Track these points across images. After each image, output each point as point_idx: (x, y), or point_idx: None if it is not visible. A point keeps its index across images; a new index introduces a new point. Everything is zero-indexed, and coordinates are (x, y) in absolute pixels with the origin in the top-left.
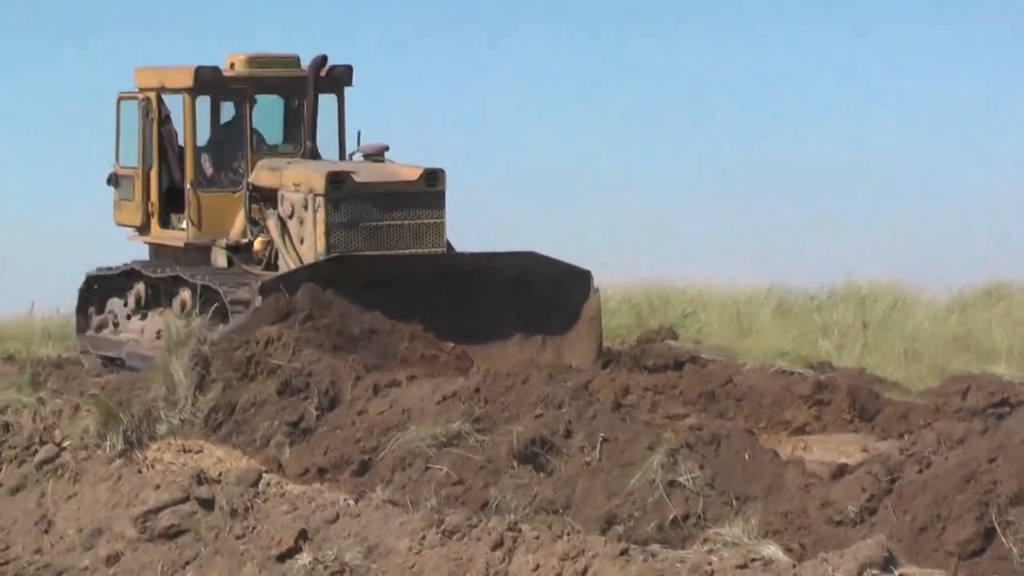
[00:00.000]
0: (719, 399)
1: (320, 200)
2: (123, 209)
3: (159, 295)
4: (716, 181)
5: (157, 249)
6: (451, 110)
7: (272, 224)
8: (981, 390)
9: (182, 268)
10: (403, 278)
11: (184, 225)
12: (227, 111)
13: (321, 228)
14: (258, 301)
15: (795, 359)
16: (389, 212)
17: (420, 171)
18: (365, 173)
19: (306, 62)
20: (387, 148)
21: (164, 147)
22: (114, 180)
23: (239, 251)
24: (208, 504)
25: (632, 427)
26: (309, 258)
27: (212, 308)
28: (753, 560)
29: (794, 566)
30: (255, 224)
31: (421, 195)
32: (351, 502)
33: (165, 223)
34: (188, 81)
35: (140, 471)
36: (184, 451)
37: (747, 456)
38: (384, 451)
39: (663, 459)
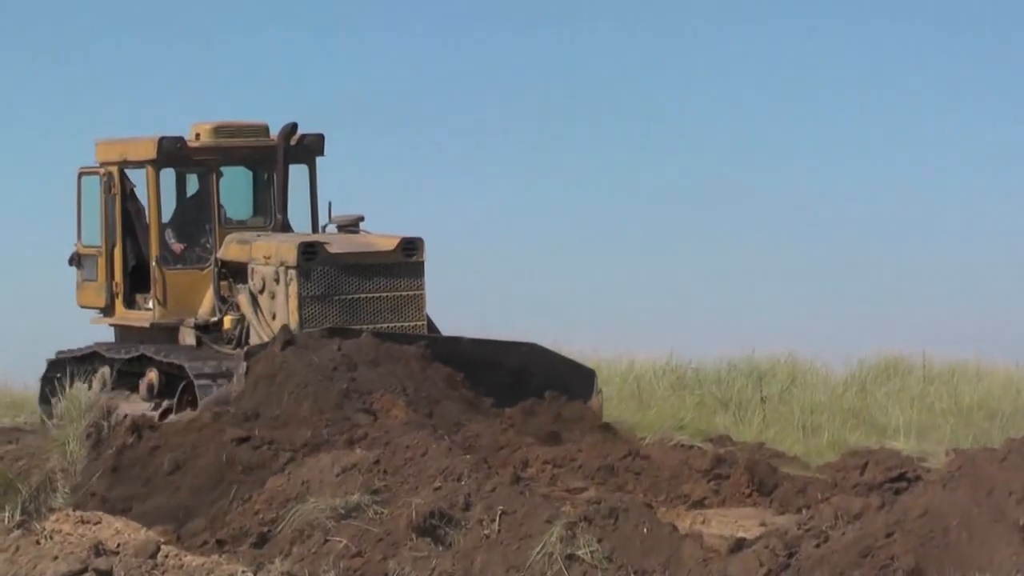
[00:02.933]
0: (618, 473)
1: (292, 272)
2: (86, 290)
3: (125, 378)
4: (618, 253)
5: (123, 331)
6: (428, 179)
7: (243, 299)
8: (879, 465)
9: (147, 347)
10: (397, 359)
11: (150, 305)
12: (193, 184)
13: (294, 302)
14: (243, 368)
15: (694, 432)
16: (365, 284)
17: (397, 240)
18: (339, 244)
19: (275, 130)
20: (362, 218)
21: (128, 223)
22: (76, 260)
23: (208, 330)
24: None
25: (531, 500)
26: None
27: (180, 387)
28: None
29: None
30: (224, 302)
31: (399, 266)
32: (249, 574)
33: (130, 304)
34: (151, 153)
35: (38, 542)
36: (82, 522)
37: (646, 530)
38: (283, 523)
39: (562, 532)
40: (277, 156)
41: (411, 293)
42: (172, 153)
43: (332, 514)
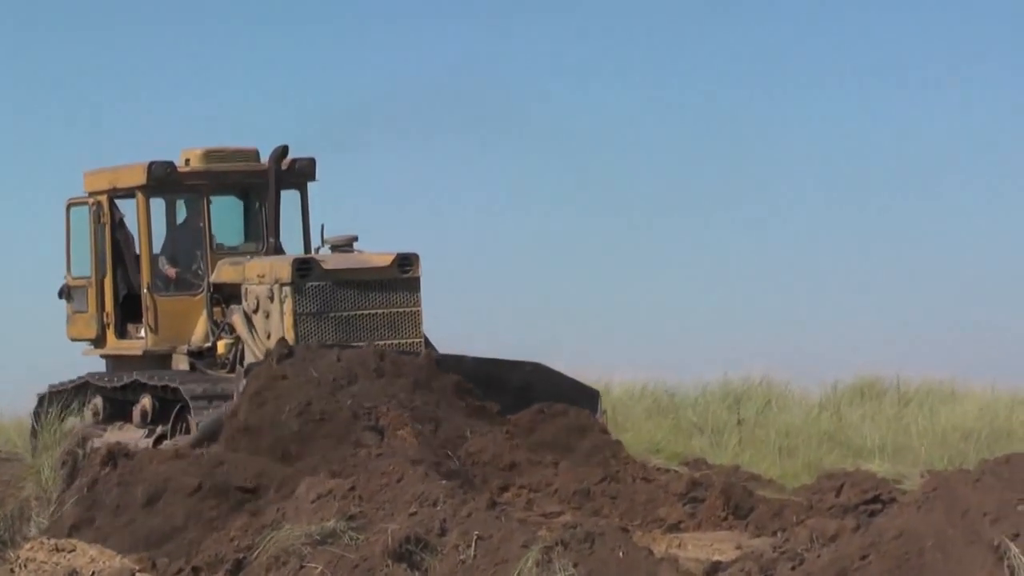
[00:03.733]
0: (594, 497)
1: (287, 290)
2: (76, 323)
3: (118, 407)
4: (595, 275)
5: (114, 362)
6: (421, 202)
7: (237, 320)
8: (854, 487)
9: (140, 373)
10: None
11: (142, 333)
12: (183, 212)
13: (289, 319)
14: (242, 386)
15: (670, 456)
16: (361, 300)
17: (393, 256)
18: (334, 261)
19: (265, 154)
20: (356, 239)
21: (118, 253)
22: (66, 293)
23: (202, 356)
24: None
25: (507, 525)
26: None
27: (174, 411)
28: None
29: None
30: (218, 327)
31: (394, 282)
32: None
33: (122, 334)
34: (141, 178)
35: (12, 570)
36: (57, 550)
37: (621, 554)
38: (258, 550)
39: (538, 556)
40: (268, 179)
41: (408, 309)
42: (162, 178)
43: (308, 540)
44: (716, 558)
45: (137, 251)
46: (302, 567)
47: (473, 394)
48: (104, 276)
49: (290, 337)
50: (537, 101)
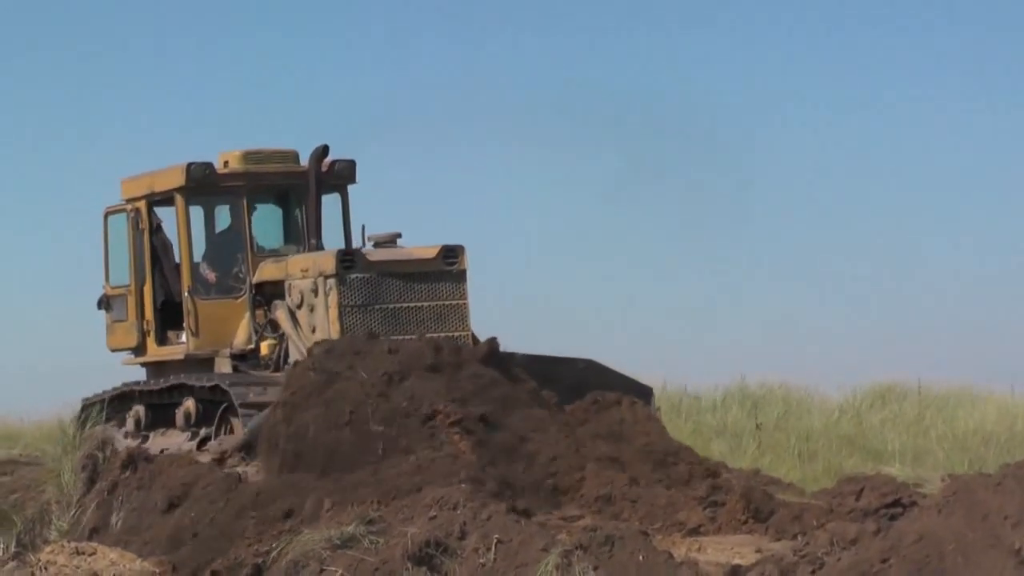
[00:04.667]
0: (614, 501)
1: (331, 282)
2: (116, 332)
3: (160, 413)
4: (611, 276)
5: (154, 369)
6: (461, 199)
7: (281, 316)
8: (874, 491)
9: (185, 375)
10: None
11: (183, 338)
12: (221, 220)
13: (334, 311)
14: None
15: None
16: (407, 293)
17: (438, 248)
18: (378, 254)
19: (304, 157)
20: (399, 235)
21: (157, 260)
22: (105, 303)
23: (245, 359)
24: None
25: (527, 529)
26: None
27: (219, 412)
28: None
29: None
30: (261, 328)
31: (440, 274)
32: None
33: (162, 341)
34: (180, 180)
35: (33, 573)
36: (77, 553)
37: (641, 557)
38: (277, 554)
39: (557, 560)
40: (309, 179)
41: (454, 302)
42: (201, 179)
43: (327, 544)
44: (736, 561)
45: (175, 258)
46: (322, 571)
47: (533, 390)
48: (143, 283)
49: (335, 330)
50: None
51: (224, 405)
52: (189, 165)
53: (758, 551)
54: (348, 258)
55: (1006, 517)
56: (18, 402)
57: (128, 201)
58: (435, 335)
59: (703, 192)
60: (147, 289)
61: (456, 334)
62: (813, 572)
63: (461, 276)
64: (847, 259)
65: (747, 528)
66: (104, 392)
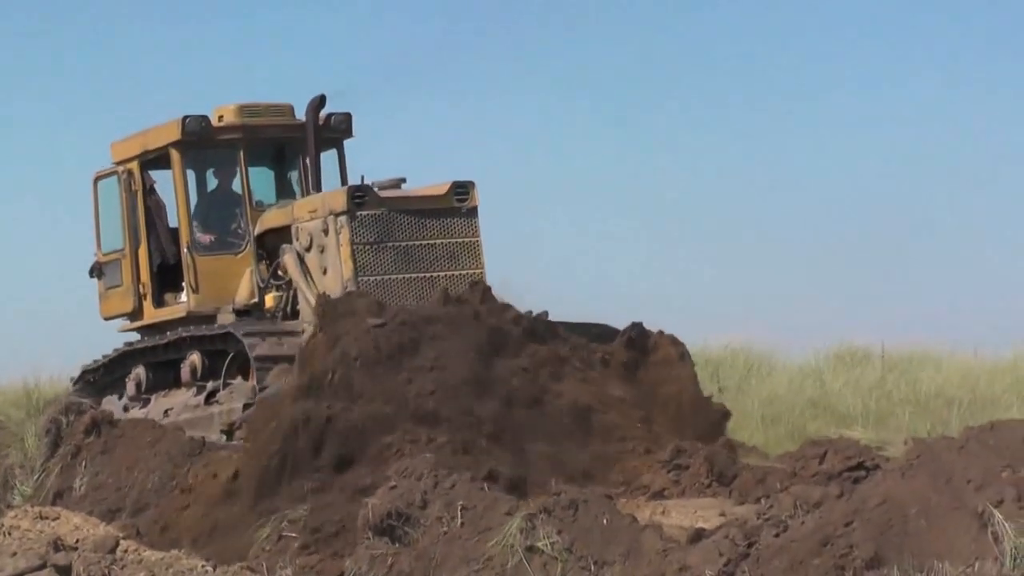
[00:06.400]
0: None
1: (342, 220)
2: (111, 299)
3: (162, 374)
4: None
5: (152, 332)
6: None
7: (289, 261)
8: (838, 454)
9: (186, 329)
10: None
11: (182, 298)
12: (211, 182)
13: (346, 250)
14: (308, 328)
15: None
16: (419, 230)
17: (448, 185)
18: (389, 192)
19: (300, 112)
20: (403, 180)
21: (152, 221)
22: (97, 270)
23: (249, 315)
24: (65, 571)
25: (491, 495)
26: (335, 289)
27: (226, 362)
28: None
29: None
30: (264, 282)
31: (452, 211)
32: (209, 569)
33: (160, 303)
34: (175, 134)
35: None
36: (41, 518)
37: (605, 521)
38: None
39: (522, 524)
40: (307, 129)
41: (466, 240)
42: (197, 133)
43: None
44: (700, 525)
45: (169, 220)
46: (280, 538)
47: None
48: (139, 246)
49: (348, 269)
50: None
51: (232, 355)
52: (185, 118)
53: (722, 514)
54: (359, 194)
55: (969, 480)
56: None
57: (119, 164)
58: (449, 273)
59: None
60: (142, 252)
61: (470, 272)
62: (777, 535)
63: (472, 213)
64: (810, 220)
65: (711, 491)
66: (100, 359)
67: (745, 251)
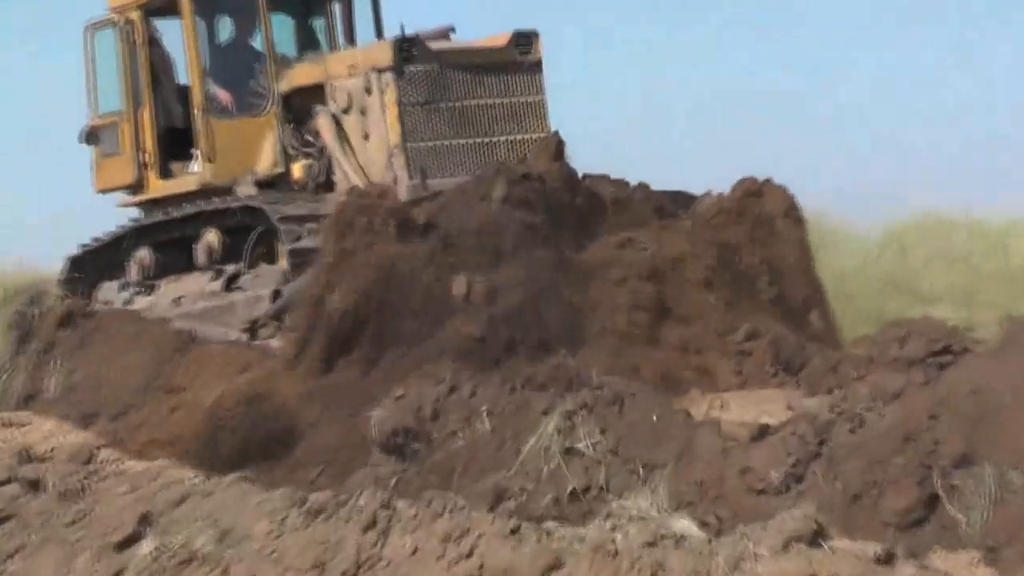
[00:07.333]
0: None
1: (387, 77)
2: (107, 169)
3: (172, 255)
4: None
5: (158, 207)
6: None
7: (324, 124)
8: (921, 337)
9: (200, 202)
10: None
11: (195, 167)
12: (224, 31)
13: (393, 112)
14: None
15: None
16: (476, 87)
17: (508, 35)
18: (440, 44)
19: None
20: (452, 29)
21: (156, 79)
22: (92, 136)
23: (273, 186)
24: (35, 486)
25: (522, 396)
26: (378, 158)
27: (251, 241)
28: (663, 537)
29: (710, 542)
30: (293, 149)
31: (513, 64)
32: (200, 480)
33: (166, 173)
34: None
35: None
36: (8, 425)
37: (655, 417)
38: None
39: (559, 423)
40: None
41: (530, 98)
42: None
43: None
44: (764, 420)
45: (176, 77)
46: None
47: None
48: (141, 107)
49: (395, 134)
50: None
51: (259, 231)
52: None
53: (789, 408)
54: (407, 46)
55: None
56: None
57: (117, 11)
58: (511, 137)
59: None
60: (146, 114)
61: (535, 135)
62: (852, 431)
63: (537, 67)
64: (887, 70)
65: (776, 382)
66: (101, 237)
67: (809, 92)
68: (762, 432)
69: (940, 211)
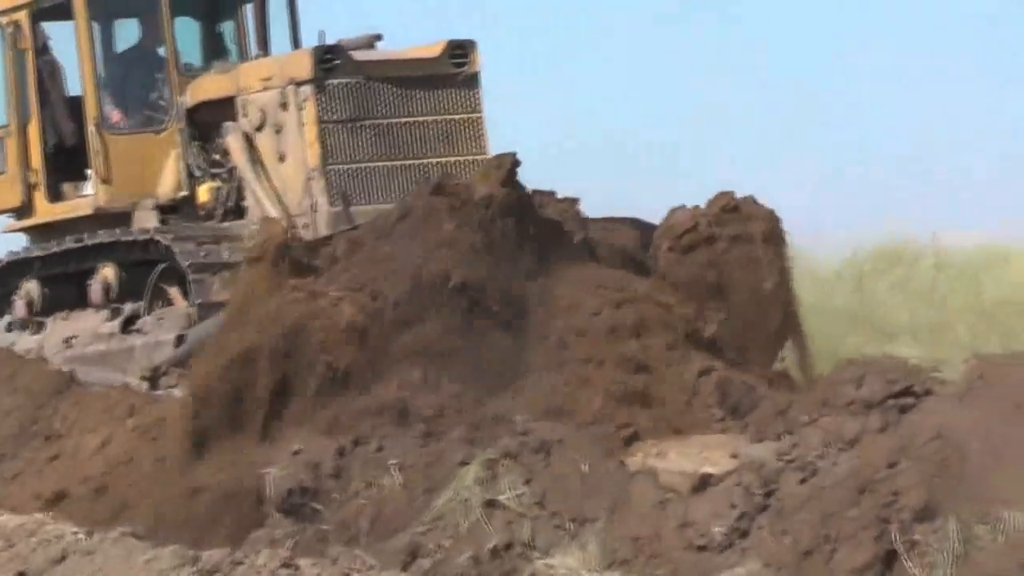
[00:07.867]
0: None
1: (306, 90)
2: None
3: (61, 290)
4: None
5: (47, 235)
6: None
7: (233, 144)
8: (880, 377)
9: (102, 232)
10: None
11: (88, 189)
12: (123, 36)
13: (312, 130)
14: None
15: None
16: (405, 104)
17: (442, 45)
18: (365, 54)
19: None
20: (379, 38)
21: (45, 89)
22: None
23: (177, 211)
24: None
25: (436, 447)
26: (295, 182)
27: (153, 277)
28: None
29: None
30: (198, 169)
31: (447, 78)
32: (82, 536)
33: (57, 195)
34: None
35: None
36: None
37: (585, 467)
38: None
39: (479, 473)
40: None
41: (466, 115)
42: None
43: None
44: (706, 469)
45: (66, 89)
46: None
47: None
48: (28, 121)
49: (314, 155)
50: None
51: (161, 267)
52: None
53: (734, 456)
54: (329, 57)
55: None
56: None
57: (2, 14)
58: (444, 159)
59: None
60: (33, 129)
61: (471, 157)
62: (803, 481)
63: (473, 81)
64: (846, 89)
65: (721, 427)
66: None
67: (769, 119)
68: (704, 482)
69: (904, 239)
